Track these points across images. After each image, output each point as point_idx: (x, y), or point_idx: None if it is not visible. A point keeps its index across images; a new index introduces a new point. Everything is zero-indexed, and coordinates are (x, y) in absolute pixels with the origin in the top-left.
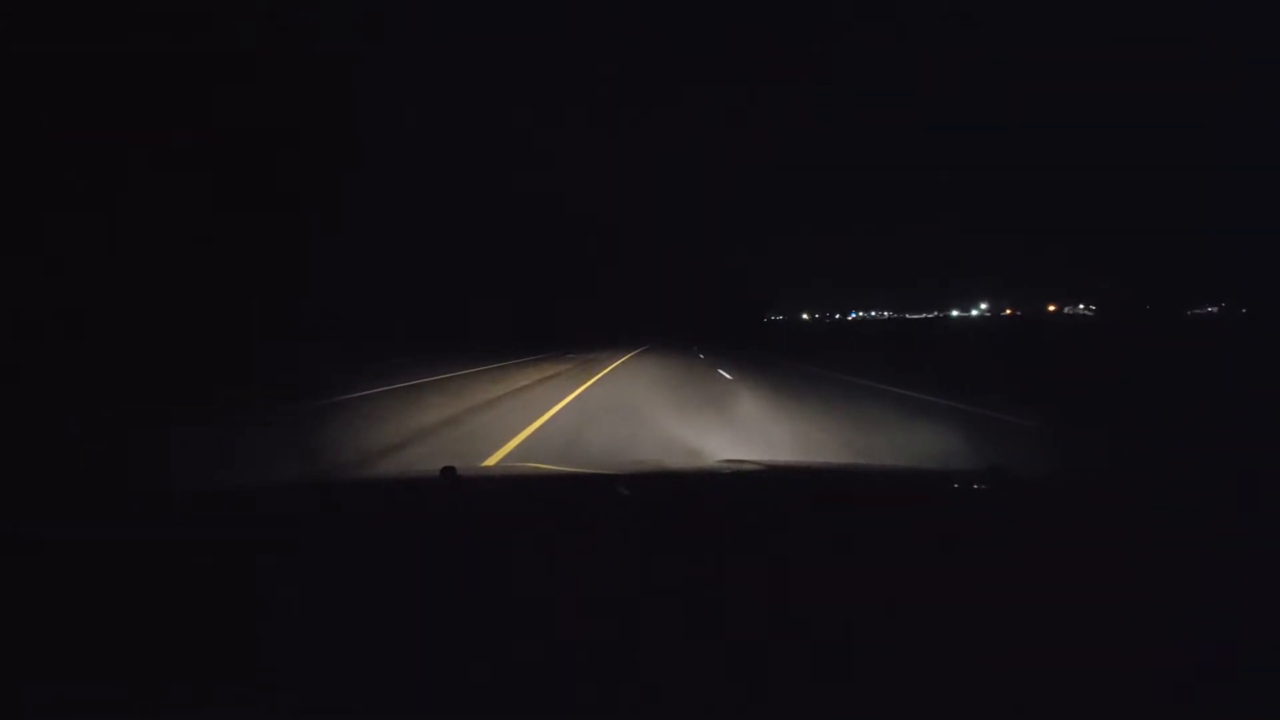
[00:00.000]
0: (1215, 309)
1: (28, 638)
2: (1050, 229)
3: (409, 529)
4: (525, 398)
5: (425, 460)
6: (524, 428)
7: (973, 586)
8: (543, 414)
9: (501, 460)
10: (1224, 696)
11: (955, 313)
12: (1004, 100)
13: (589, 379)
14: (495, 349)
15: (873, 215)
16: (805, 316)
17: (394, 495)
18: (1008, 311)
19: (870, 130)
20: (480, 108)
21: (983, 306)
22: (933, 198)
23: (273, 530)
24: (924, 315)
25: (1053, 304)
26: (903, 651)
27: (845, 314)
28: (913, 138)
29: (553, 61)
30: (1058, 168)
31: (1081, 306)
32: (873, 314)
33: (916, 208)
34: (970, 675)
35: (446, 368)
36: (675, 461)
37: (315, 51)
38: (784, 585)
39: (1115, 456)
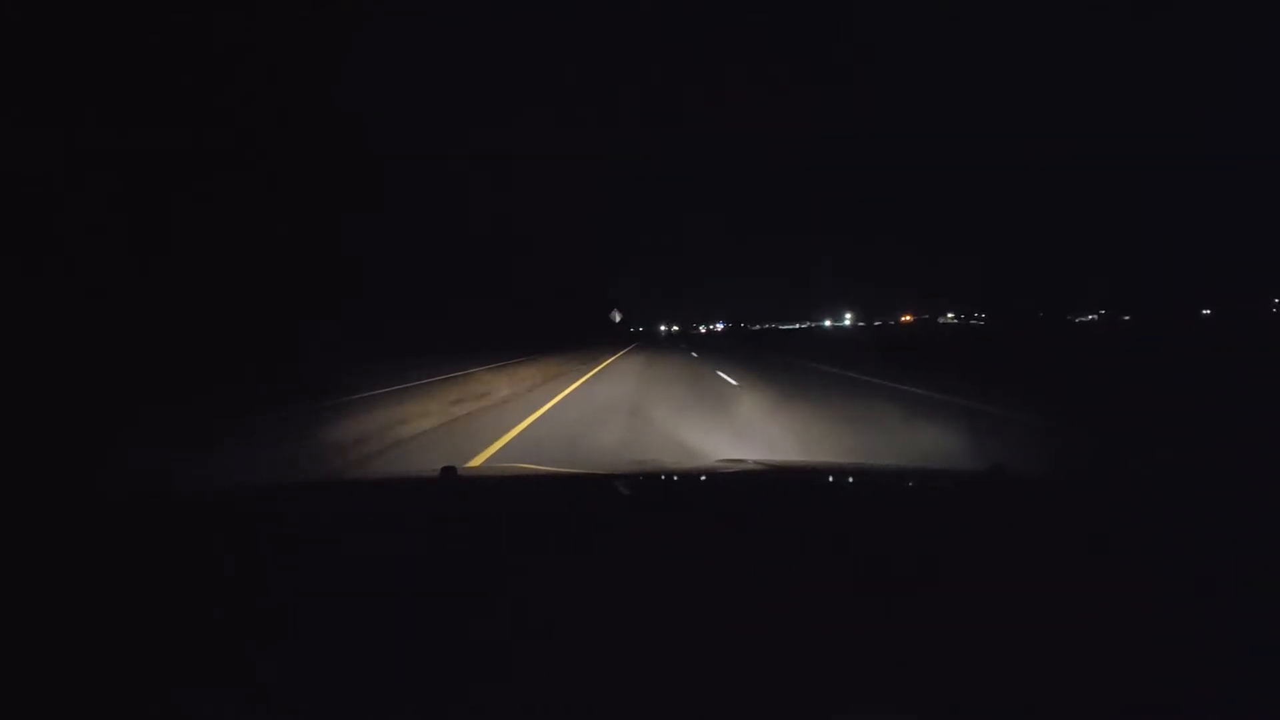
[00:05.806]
0: (1095, 316)
1: (26, 640)
2: (914, 242)
3: (408, 529)
4: None
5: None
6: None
7: (973, 586)
8: None
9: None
10: (1224, 697)
11: (828, 322)
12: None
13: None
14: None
15: (748, 223)
16: (662, 328)
17: (393, 495)
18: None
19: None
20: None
21: (849, 317)
22: (801, 206)
23: (270, 531)
24: (796, 325)
25: (909, 314)
26: (903, 651)
27: (719, 323)
28: (796, 148)
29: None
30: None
31: (951, 315)
32: (743, 325)
33: (783, 215)
34: (972, 674)
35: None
36: (675, 461)
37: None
38: (785, 585)
39: (1114, 456)
